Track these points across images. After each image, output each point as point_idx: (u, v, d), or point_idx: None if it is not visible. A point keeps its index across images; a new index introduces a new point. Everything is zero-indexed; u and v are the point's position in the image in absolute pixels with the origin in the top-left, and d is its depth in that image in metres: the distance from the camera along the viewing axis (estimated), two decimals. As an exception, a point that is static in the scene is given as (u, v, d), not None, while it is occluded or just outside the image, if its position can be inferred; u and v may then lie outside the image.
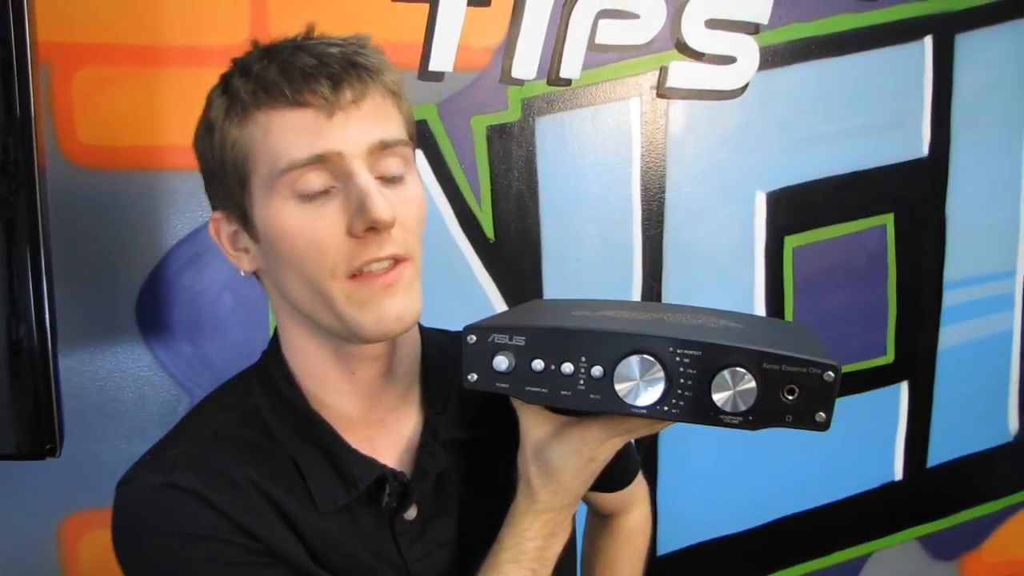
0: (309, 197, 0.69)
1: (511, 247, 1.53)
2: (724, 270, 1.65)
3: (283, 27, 1.43)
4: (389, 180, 0.72)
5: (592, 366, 0.65)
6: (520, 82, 1.50)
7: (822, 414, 0.62)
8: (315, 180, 0.69)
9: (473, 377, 0.69)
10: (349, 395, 0.79)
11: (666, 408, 0.64)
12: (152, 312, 1.38)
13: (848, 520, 1.79)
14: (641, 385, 0.64)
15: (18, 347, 1.04)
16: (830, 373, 0.62)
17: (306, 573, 0.73)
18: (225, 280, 1.39)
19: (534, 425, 0.73)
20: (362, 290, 0.70)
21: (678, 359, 0.63)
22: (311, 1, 1.38)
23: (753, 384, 0.62)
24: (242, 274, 0.78)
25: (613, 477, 1.00)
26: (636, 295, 1.61)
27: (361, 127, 0.69)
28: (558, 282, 1.56)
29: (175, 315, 1.39)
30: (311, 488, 0.75)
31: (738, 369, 0.62)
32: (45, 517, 1.37)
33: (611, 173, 1.57)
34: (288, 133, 0.69)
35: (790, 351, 0.63)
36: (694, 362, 0.63)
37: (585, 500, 1.05)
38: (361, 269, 0.70)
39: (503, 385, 0.68)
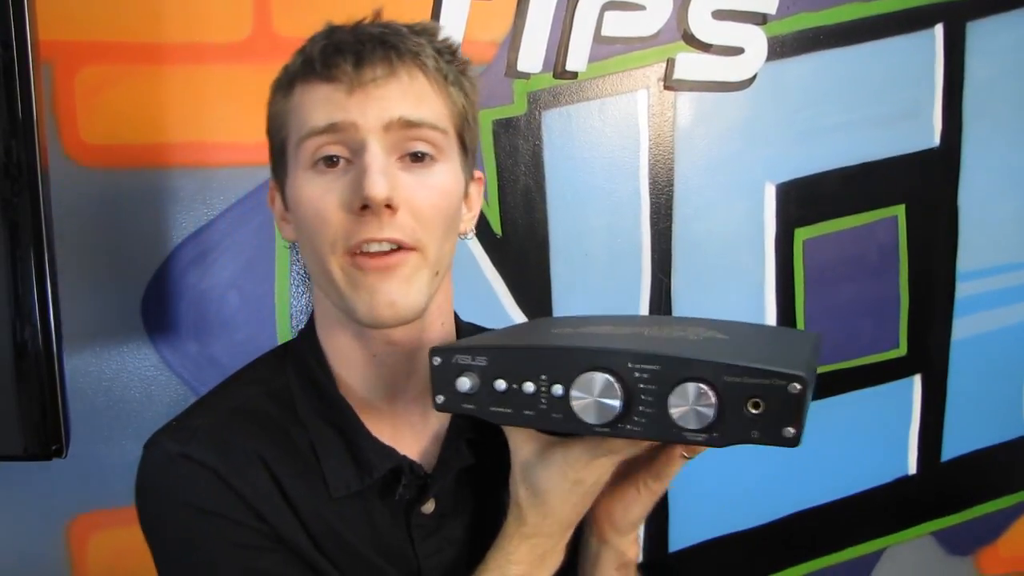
0: (323, 167, 0.70)
1: (518, 242, 1.52)
2: (734, 263, 1.64)
3: (286, 23, 1.43)
4: (412, 162, 0.71)
5: (552, 384, 0.63)
6: (526, 75, 1.48)
7: (790, 429, 0.57)
8: (330, 148, 0.70)
9: (440, 399, 0.67)
10: (372, 379, 0.79)
11: (628, 427, 0.61)
12: (158, 312, 1.37)
13: (861, 515, 1.77)
14: (599, 403, 0.60)
15: (23, 349, 1.03)
16: (796, 384, 0.56)
17: (308, 561, 0.73)
18: (231, 278, 1.39)
19: (520, 444, 0.71)
20: (357, 268, 0.70)
21: (636, 374, 0.60)
22: (314, -3, 1.37)
23: (713, 398, 0.58)
24: (285, 244, 0.80)
25: None
26: (645, 289, 1.59)
27: (381, 104, 0.69)
28: (566, 277, 1.55)
29: (181, 314, 1.38)
30: (325, 472, 0.75)
31: (696, 383, 0.58)
32: (53, 518, 1.37)
33: (619, 166, 1.56)
34: (313, 104, 0.70)
35: (756, 362, 0.58)
36: (653, 377, 0.60)
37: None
38: (359, 247, 0.69)
39: (469, 406, 0.66)
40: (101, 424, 1.36)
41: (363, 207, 0.67)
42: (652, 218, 1.58)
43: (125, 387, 1.37)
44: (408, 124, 0.70)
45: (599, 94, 1.53)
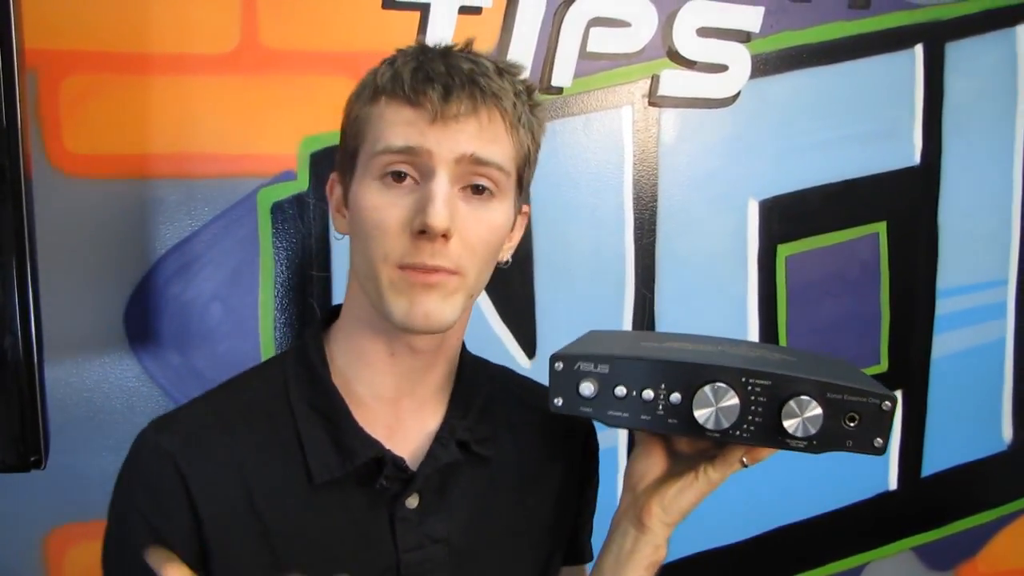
0: (391, 181, 0.74)
1: (503, 256, 1.52)
2: (717, 279, 1.65)
3: (273, 35, 1.43)
4: (473, 193, 0.76)
5: (671, 393, 0.72)
6: (512, 91, 1.49)
7: (879, 440, 0.70)
8: (400, 166, 0.74)
9: (559, 402, 0.75)
10: (383, 375, 0.82)
11: (738, 433, 0.71)
12: (140, 322, 1.36)
13: (842, 531, 1.78)
14: (717, 411, 0.70)
15: (3, 358, 1.02)
16: (887, 403, 0.69)
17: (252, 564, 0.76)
18: (214, 290, 1.38)
19: (652, 466, 0.83)
20: (404, 280, 0.74)
21: (750, 387, 0.70)
22: (302, 10, 1.38)
23: (819, 411, 0.69)
24: (336, 236, 0.84)
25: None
26: (628, 304, 1.60)
27: (457, 139, 0.73)
28: (550, 291, 1.55)
29: (164, 325, 1.37)
30: (308, 457, 0.78)
31: (805, 398, 0.69)
32: (30, 530, 1.35)
33: (603, 182, 1.57)
34: (395, 123, 0.74)
35: (849, 382, 0.70)
36: (764, 391, 0.70)
37: None
38: (409, 264, 0.74)
39: (587, 409, 0.74)
40: (81, 435, 1.35)
41: (421, 231, 0.72)
42: (636, 233, 1.59)
43: (106, 398, 1.36)
44: (477, 161, 0.74)
45: (584, 109, 1.54)
